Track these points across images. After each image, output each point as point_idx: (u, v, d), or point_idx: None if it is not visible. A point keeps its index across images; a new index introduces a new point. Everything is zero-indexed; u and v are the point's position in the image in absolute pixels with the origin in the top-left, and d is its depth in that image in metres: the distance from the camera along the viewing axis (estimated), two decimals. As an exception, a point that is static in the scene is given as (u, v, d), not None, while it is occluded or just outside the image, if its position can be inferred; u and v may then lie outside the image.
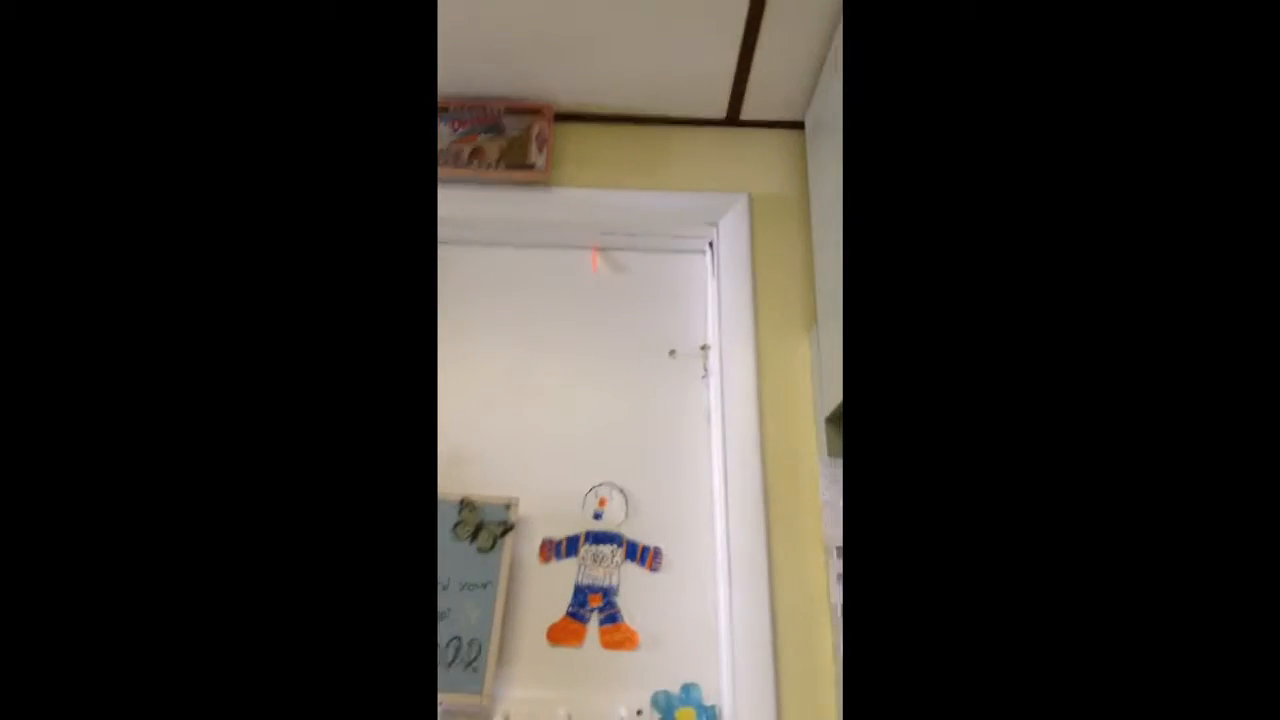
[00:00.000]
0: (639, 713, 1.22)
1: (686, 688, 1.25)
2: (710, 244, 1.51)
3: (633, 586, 1.31)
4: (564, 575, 1.32)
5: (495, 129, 1.49)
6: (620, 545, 1.34)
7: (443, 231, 1.49)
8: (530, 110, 1.50)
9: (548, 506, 1.35)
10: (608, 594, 1.31)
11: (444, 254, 1.51)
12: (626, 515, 1.35)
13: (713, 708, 1.23)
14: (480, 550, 1.28)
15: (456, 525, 1.29)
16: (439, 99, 1.50)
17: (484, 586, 1.26)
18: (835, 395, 1.22)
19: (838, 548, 1.20)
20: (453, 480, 1.34)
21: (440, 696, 1.19)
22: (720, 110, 1.53)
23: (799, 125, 1.55)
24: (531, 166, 1.47)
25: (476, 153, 1.47)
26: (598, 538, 1.34)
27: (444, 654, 1.21)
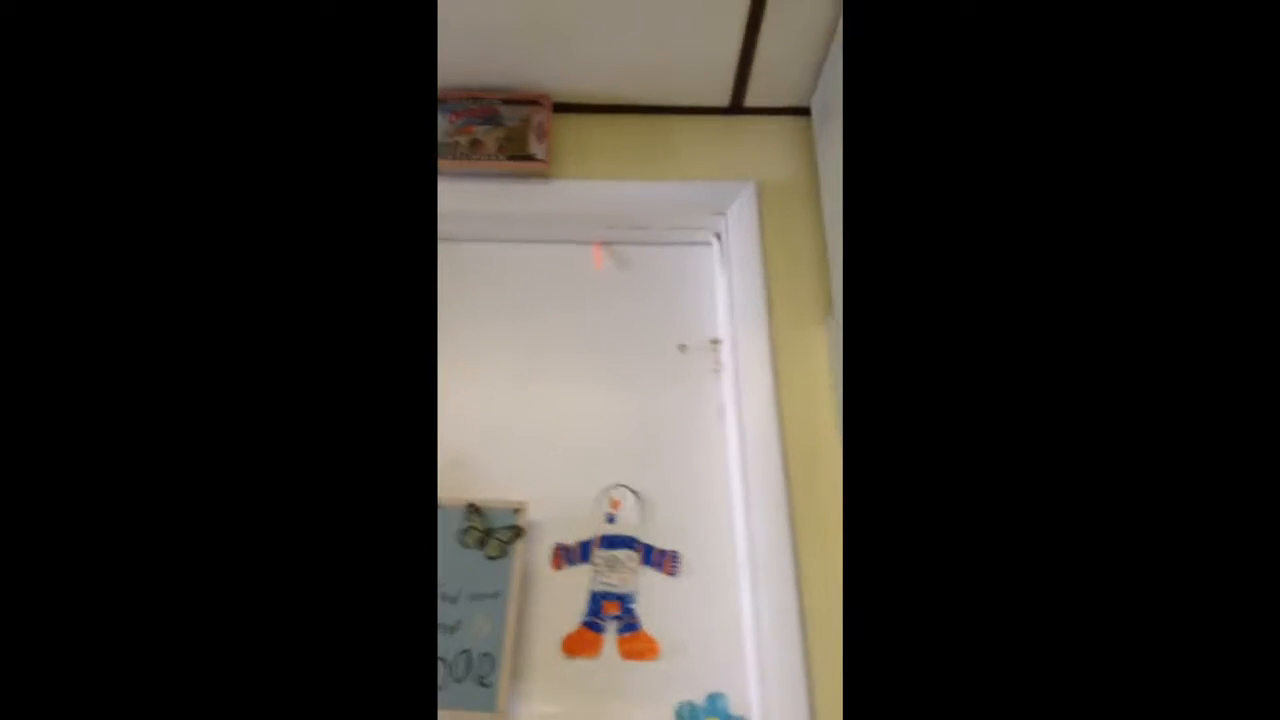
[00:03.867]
0: (663, 726, 1.15)
1: (712, 698, 1.18)
2: (718, 235, 1.46)
3: (651, 592, 1.24)
4: (578, 582, 1.25)
5: (493, 120, 1.44)
6: (636, 549, 1.27)
7: (442, 226, 1.43)
8: (528, 101, 1.45)
9: (558, 510, 1.28)
10: (625, 601, 1.24)
11: (443, 250, 1.45)
12: (641, 518, 1.29)
13: (740, 718, 1.16)
14: (489, 558, 1.21)
15: (463, 532, 1.22)
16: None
17: (494, 596, 1.19)
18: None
19: (867, 543, 1.15)
20: (456, 484, 1.27)
21: (452, 714, 1.11)
22: (724, 98, 1.49)
23: (804, 111, 1.51)
24: (532, 157, 1.42)
25: (475, 145, 1.42)
26: (612, 542, 1.27)
27: (455, 669, 1.14)
